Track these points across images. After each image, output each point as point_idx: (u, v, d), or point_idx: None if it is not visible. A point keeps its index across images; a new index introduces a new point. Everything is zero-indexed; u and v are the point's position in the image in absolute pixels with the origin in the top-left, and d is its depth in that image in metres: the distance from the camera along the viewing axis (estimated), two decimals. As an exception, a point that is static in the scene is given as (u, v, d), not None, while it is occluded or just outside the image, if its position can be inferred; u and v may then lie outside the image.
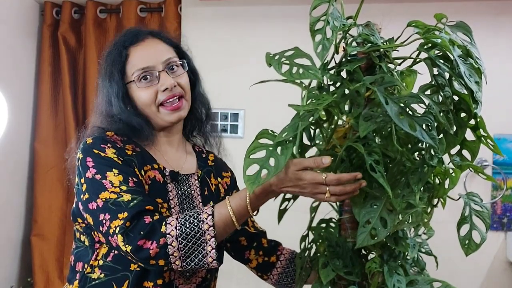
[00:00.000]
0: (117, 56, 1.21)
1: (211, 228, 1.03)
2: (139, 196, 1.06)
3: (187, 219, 1.04)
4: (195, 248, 1.03)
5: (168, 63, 1.20)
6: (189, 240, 1.02)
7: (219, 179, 1.34)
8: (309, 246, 1.19)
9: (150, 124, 1.21)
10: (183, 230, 1.02)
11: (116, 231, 1.02)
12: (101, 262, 1.14)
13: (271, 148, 0.98)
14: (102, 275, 1.13)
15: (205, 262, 1.04)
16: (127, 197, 1.05)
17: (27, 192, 2.66)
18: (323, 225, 1.17)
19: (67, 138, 2.58)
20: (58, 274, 2.60)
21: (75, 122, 2.59)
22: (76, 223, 1.19)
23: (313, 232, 1.18)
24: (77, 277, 1.16)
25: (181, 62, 1.24)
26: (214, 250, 1.04)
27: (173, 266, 1.04)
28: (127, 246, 1.02)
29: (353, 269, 1.08)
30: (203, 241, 1.03)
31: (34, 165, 2.63)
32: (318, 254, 1.15)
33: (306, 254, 1.19)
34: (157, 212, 1.08)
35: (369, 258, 1.12)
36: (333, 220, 1.17)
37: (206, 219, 1.04)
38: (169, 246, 1.02)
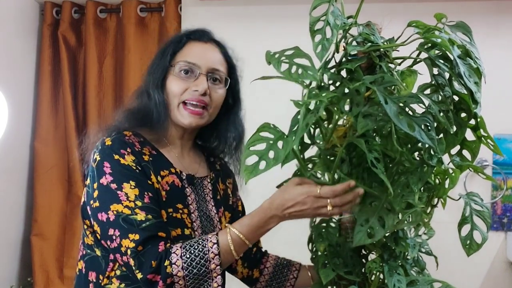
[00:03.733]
0: (177, 41, 1.22)
1: (218, 267, 1.03)
2: (153, 216, 1.04)
3: (193, 259, 1.02)
4: (201, 284, 1.04)
5: (213, 72, 1.20)
6: (196, 279, 1.02)
7: (227, 184, 1.34)
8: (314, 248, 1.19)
9: (167, 119, 1.19)
10: (190, 271, 1.01)
11: (128, 253, 1.01)
12: (118, 272, 1.10)
13: (271, 142, 0.98)
14: (123, 285, 1.10)
15: None
16: (140, 216, 1.03)
17: (27, 192, 2.66)
18: (323, 225, 1.17)
19: (67, 138, 2.58)
20: (58, 274, 2.60)
21: (75, 122, 2.59)
22: (85, 226, 1.16)
23: (313, 232, 1.18)
24: (90, 287, 1.14)
25: (226, 78, 1.23)
26: (220, 287, 1.05)
27: None
28: (138, 273, 1.01)
29: (353, 269, 1.08)
30: (209, 277, 1.03)
31: (34, 165, 2.63)
32: (319, 254, 1.15)
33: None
34: (169, 239, 1.06)
35: (369, 258, 1.12)
36: (333, 220, 1.17)
37: (213, 259, 1.03)
38: (176, 284, 1.02)
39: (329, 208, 0.99)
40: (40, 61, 2.67)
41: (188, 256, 1.02)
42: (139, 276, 1.01)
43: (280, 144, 0.97)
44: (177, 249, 1.03)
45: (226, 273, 1.35)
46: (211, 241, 1.04)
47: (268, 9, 2.44)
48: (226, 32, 2.44)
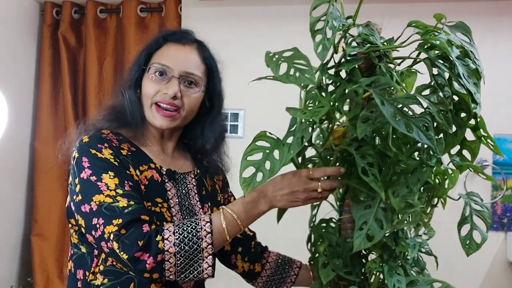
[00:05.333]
0: (154, 42, 1.22)
1: (210, 246, 1.04)
2: (135, 202, 1.05)
3: (185, 235, 1.03)
4: (191, 264, 1.03)
5: (187, 76, 1.19)
6: (187, 257, 1.02)
7: (215, 180, 1.35)
8: (313, 249, 1.19)
9: (142, 117, 1.20)
10: (182, 248, 1.01)
11: (111, 238, 1.01)
12: (101, 268, 1.11)
13: (268, 151, 0.99)
14: (106, 280, 1.10)
15: (200, 277, 1.05)
16: (122, 202, 1.03)
17: (27, 192, 2.66)
18: (323, 225, 1.17)
19: (67, 138, 2.59)
20: (58, 274, 2.60)
21: (75, 122, 2.58)
22: (70, 225, 1.17)
23: (313, 232, 1.18)
24: (79, 285, 1.13)
25: (202, 83, 1.21)
26: (210, 268, 1.04)
27: (167, 278, 1.03)
28: (122, 253, 1.00)
29: (353, 269, 1.08)
30: (200, 257, 1.03)
31: (34, 164, 2.63)
32: (317, 255, 1.15)
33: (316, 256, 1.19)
34: (153, 223, 1.06)
35: (369, 258, 1.12)
36: (333, 220, 1.17)
37: (205, 237, 1.04)
38: (166, 262, 1.01)
39: (319, 190, 1.03)
40: (40, 62, 2.67)
41: (180, 232, 1.03)
42: (125, 256, 1.00)
43: (276, 153, 0.99)
44: (170, 226, 1.04)
45: (225, 271, 1.36)
46: (204, 219, 1.06)
47: (268, 9, 2.45)
48: (226, 32, 2.46)
